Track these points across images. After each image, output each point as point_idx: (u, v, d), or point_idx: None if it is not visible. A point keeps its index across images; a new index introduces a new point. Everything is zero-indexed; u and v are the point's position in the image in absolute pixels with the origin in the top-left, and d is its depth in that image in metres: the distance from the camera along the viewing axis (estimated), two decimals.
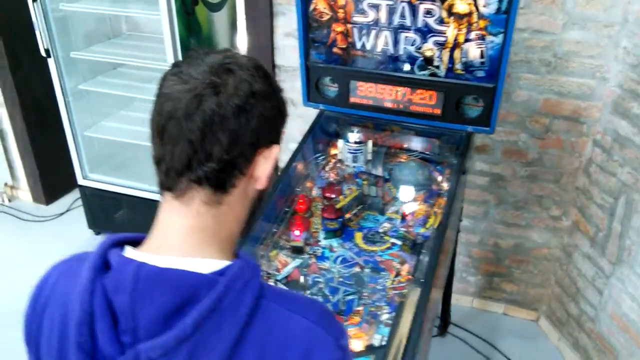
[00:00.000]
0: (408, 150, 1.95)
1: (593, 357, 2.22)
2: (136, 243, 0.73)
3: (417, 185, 1.85)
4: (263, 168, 0.74)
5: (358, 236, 1.70)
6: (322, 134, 2.04)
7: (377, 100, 1.85)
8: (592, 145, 2.12)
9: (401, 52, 1.75)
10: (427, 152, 1.93)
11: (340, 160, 1.94)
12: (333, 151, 2.02)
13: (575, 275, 2.29)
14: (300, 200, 1.77)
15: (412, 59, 1.75)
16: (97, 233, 3.10)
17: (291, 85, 2.44)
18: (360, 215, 1.78)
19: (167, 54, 2.38)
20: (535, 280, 2.52)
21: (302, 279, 1.54)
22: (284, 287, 1.51)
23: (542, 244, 2.41)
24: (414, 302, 1.43)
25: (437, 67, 1.74)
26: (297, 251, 1.63)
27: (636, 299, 1.97)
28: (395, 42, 1.74)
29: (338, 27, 1.79)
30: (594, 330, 2.20)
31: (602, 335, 2.15)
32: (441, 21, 1.66)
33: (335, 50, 1.83)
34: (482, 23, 1.62)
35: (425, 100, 1.79)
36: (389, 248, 1.65)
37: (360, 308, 1.46)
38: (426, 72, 1.76)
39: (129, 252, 0.70)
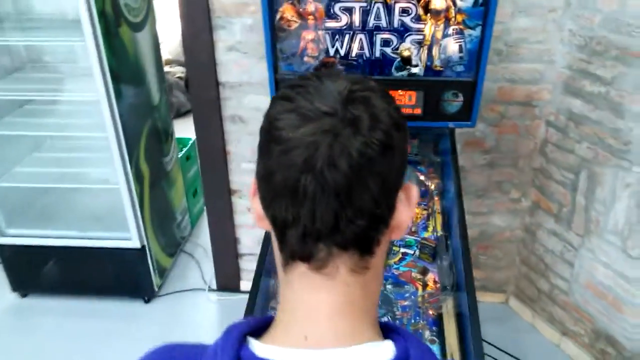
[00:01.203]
0: None
1: (570, 327, 2.33)
2: (260, 330, 0.59)
3: None
4: (406, 214, 0.60)
5: None
6: None
7: None
8: (545, 126, 2.21)
9: (377, 54, 1.69)
10: (413, 154, 1.89)
11: None
12: None
13: (542, 252, 2.38)
14: None
15: (389, 61, 1.70)
16: (24, 295, 2.71)
17: (238, 102, 2.29)
18: None
19: (97, 83, 2.12)
20: (500, 263, 2.59)
21: None
22: None
23: (505, 228, 2.49)
24: (451, 312, 1.37)
25: (416, 65, 1.70)
26: None
27: (609, 266, 2.08)
28: (371, 45, 1.68)
29: (308, 35, 1.68)
30: (569, 302, 2.30)
31: (578, 305, 2.26)
32: (418, 19, 1.62)
33: (306, 59, 1.73)
34: (459, 17, 1.61)
35: (405, 101, 1.75)
36: (402, 259, 1.59)
37: None
38: (404, 72, 1.71)
39: (266, 350, 0.56)
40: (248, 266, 2.70)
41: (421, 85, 1.72)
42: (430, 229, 1.68)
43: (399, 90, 1.73)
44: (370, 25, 1.64)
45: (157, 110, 2.64)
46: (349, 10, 1.63)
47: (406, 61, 1.69)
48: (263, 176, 0.57)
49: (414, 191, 0.61)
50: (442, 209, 1.73)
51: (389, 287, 1.49)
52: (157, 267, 2.66)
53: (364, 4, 1.61)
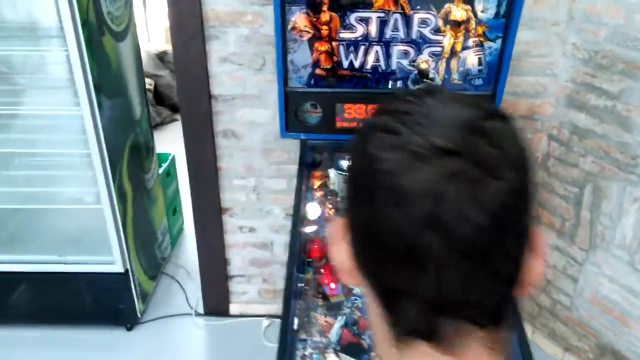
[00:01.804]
0: None
1: (573, 343, 2.30)
2: None
3: None
4: (538, 268, 0.49)
5: None
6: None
7: None
8: (547, 140, 2.19)
9: (393, 67, 1.62)
10: None
11: (331, 192, 1.74)
12: (316, 183, 1.81)
13: (544, 267, 2.35)
14: (315, 246, 1.54)
15: (405, 74, 1.63)
16: None
17: (231, 117, 2.17)
18: None
19: (80, 96, 1.96)
20: None
21: (361, 342, 1.32)
22: (349, 358, 1.27)
23: None
24: None
25: (432, 79, 1.63)
26: (336, 307, 1.40)
27: (615, 280, 2.07)
28: (387, 57, 1.60)
29: (321, 46, 1.60)
30: (571, 317, 2.28)
31: (582, 320, 2.23)
32: (437, 30, 1.56)
33: (318, 71, 1.63)
34: (480, 29, 1.56)
35: None
36: None
37: None
38: (421, 86, 1.64)
39: None
40: (238, 288, 2.56)
41: None
42: None
43: None
44: (387, 36, 1.57)
45: (138, 124, 2.49)
46: (366, 21, 1.55)
47: (423, 74, 1.62)
48: (362, 229, 0.47)
49: (541, 239, 0.50)
50: None
51: None
52: (140, 291, 2.49)
53: (382, 15, 1.53)
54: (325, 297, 1.41)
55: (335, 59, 1.61)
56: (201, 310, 2.60)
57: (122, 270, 2.33)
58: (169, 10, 2.01)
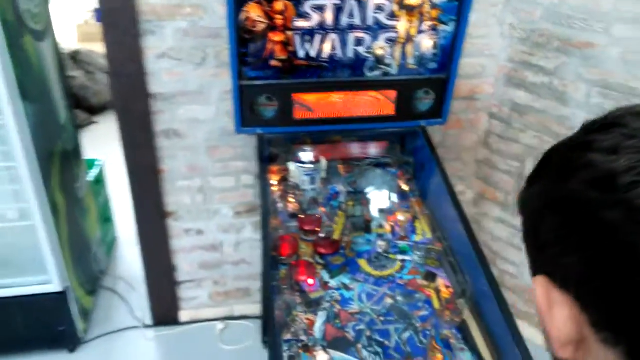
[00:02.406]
0: (361, 158, 1.81)
1: (522, 309, 2.41)
2: None
3: (388, 193, 1.72)
4: None
5: (363, 264, 1.51)
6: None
7: (328, 111, 1.65)
8: (488, 118, 2.26)
9: (350, 54, 1.59)
10: (381, 156, 1.81)
11: (292, 186, 1.69)
12: (274, 178, 1.75)
13: (489, 240, 2.44)
14: (285, 243, 1.48)
15: (362, 61, 1.60)
16: None
17: (172, 115, 2.05)
18: (349, 241, 1.57)
19: (3, 103, 1.76)
20: None
21: (346, 335, 1.29)
22: (337, 353, 1.24)
23: None
24: (470, 315, 1.32)
25: (389, 65, 1.62)
26: (315, 303, 1.36)
27: None
28: (344, 45, 1.57)
29: (276, 37, 1.53)
30: (519, 284, 2.39)
31: (528, 287, 2.34)
32: (392, 16, 1.54)
33: (273, 63, 1.57)
34: (434, 13, 1.56)
35: (379, 102, 1.67)
36: (402, 267, 1.50)
37: (425, 340, 1.29)
38: (377, 72, 1.63)
39: None
40: (188, 294, 2.44)
41: (395, 84, 1.65)
42: (420, 232, 1.61)
43: (373, 92, 1.65)
44: (343, 23, 1.53)
45: (65, 129, 2.29)
46: (321, 9, 1.50)
47: (379, 60, 1.61)
48: (611, 294, 0.37)
49: None
50: (429, 210, 1.67)
51: (399, 298, 1.40)
52: (81, 309, 2.31)
53: (338, 2, 1.49)
54: (303, 294, 1.36)
55: (290, 49, 1.55)
56: (149, 321, 2.46)
57: (60, 289, 2.14)
58: (100, 5, 1.85)
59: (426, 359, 1.23)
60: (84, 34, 5.30)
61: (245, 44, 1.52)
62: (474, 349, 1.26)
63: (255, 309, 2.49)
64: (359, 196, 1.60)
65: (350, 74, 1.61)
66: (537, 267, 0.45)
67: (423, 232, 1.61)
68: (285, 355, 1.22)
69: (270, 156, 1.76)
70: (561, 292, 0.41)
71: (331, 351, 1.24)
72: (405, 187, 1.77)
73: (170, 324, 2.46)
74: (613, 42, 1.82)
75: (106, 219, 2.89)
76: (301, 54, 1.56)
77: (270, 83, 1.59)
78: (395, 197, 1.70)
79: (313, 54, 1.57)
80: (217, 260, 2.38)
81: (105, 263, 2.79)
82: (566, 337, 0.41)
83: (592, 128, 0.44)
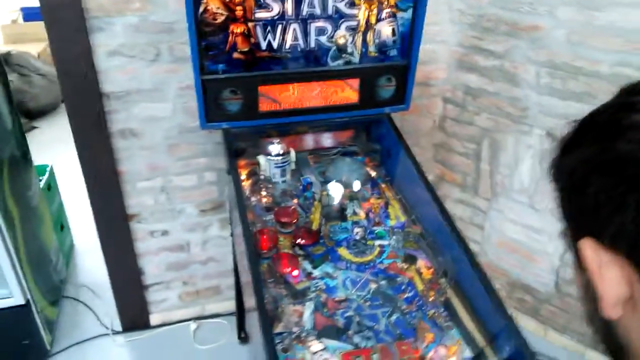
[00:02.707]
0: (329, 148, 1.82)
1: None
2: None
3: (358, 180, 1.74)
4: None
5: (343, 251, 1.52)
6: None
7: (293, 103, 1.65)
8: (442, 103, 2.32)
9: (312, 44, 1.59)
10: (348, 145, 1.83)
11: (262, 180, 1.69)
12: (242, 173, 1.74)
13: None
14: (264, 236, 1.48)
15: (324, 51, 1.61)
16: None
17: (127, 115, 2.00)
18: (326, 230, 1.59)
19: None
20: None
21: (335, 322, 1.31)
22: (330, 341, 1.25)
23: None
24: (453, 293, 1.37)
25: (351, 53, 1.64)
26: (300, 294, 1.37)
27: (518, 222, 2.28)
28: (305, 35, 1.57)
29: (237, 28, 1.52)
30: (483, 261, 2.47)
31: (492, 263, 2.44)
32: (352, 4, 1.56)
33: (235, 55, 1.55)
34: (392, 0, 1.58)
35: (343, 91, 1.68)
36: (381, 252, 1.53)
37: (414, 321, 1.33)
38: (340, 61, 1.64)
39: None
40: (156, 297, 2.39)
41: (357, 73, 1.67)
42: (393, 216, 1.64)
43: (336, 81, 1.66)
44: (304, 13, 1.54)
45: (12, 135, 2.18)
46: None
47: (341, 49, 1.62)
48: None
49: None
50: (400, 195, 1.70)
51: (382, 283, 1.43)
52: (45, 321, 2.22)
53: None
54: (288, 286, 1.37)
55: (252, 40, 1.54)
56: (118, 327, 2.40)
57: (22, 301, 2.06)
58: (40, 1, 1.77)
59: (417, 339, 1.26)
60: (11, 35, 4.99)
61: (205, 37, 1.50)
62: (460, 325, 1.31)
63: (227, 306, 2.47)
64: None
65: (314, 64, 1.62)
66: (580, 231, 0.46)
67: (396, 216, 1.64)
68: (279, 348, 1.22)
69: (236, 151, 1.75)
70: (611, 252, 0.43)
71: (325, 340, 1.25)
72: (373, 174, 1.79)
73: (140, 329, 2.41)
74: (558, 24, 1.90)
75: (62, 226, 2.78)
76: (263, 45, 1.55)
77: (233, 76, 1.57)
78: (363, 185, 1.72)
79: (275, 45, 1.56)
80: (185, 261, 2.35)
81: (65, 271, 2.69)
82: (616, 297, 0.43)
83: (634, 90, 0.46)
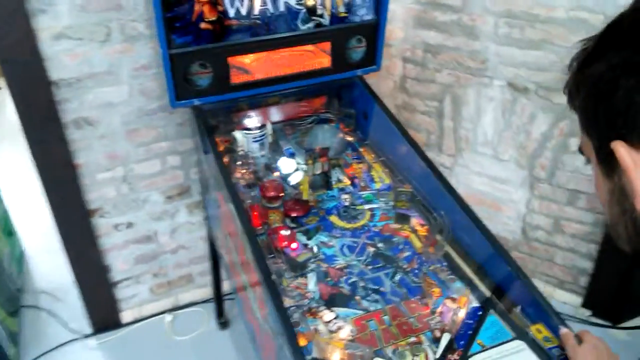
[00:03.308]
0: (302, 117, 1.77)
1: None
2: None
3: (337, 147, 1.70)
4: None
5: (335, 219, 1.49)
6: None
7: (265, 72, 1.58)
8: (402, 63, 2.31)
9: (282, 8, 1.52)
10: (321, 112, 1.79)
11: (241, 156, 1.62)
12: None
13: None
14: (255, 213, 1.42)
15: (294, 14, 1.55)
16: None
17: (80, 103, 1.86)
18: (314, 200, 1.55)
19: None
20: None
21: (341, 290, 1.28)
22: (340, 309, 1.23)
23: None
24: (452, 245, 1.38)
25: (321, 15, 1.58)
26: (299, 267, 1.33)
27: (484, 174, 2.33)
28: None
29: None
30: None
31: None
32: None
33: (203, 25, 1.46)
34: None
35: (315, 56, 1.63)
36: (373, 215, 1.51)
37: (417, 279, 1.32)
38: (311, 24, 1.58)
39: None
40: (127, 293, 2.28)
41: (328, 35, 1.62)
42: (377, 179, 1.63)
43: (308, 45, 1.60)
44: None
45: None
46: None
47: (311, 11, 1.56)
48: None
49: None
50: (383, 156, 1.68)
51: (380, 245, 1.41)
52: (7, 333, 2.06)
53: None
54: (289, 260, 1.32)
55: (220, 8, 1.45)
56: (88, 330, 2.26)
57: None
58: None
59: (425, 296, 1.26)
60: None
61: (170, 8, 1.40)
62: (462, 277, 1.31)
63: (201, 293, 2.40)
64: (315, 154, 1.56)
65: (284, 29, 1.55)
66: (609, 136, 0.50)
67: (380, 178, 1.62)
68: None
69: (211, 127, 1.66)
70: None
71: (335, 308, 1.22)
72: (350, 139, 1.76)
73: (112, 328, 2.29)
74: None
75: (9, 232, 2.58)
76: (231, 12, 1.47)
77: (202, 48, 1.48)
78: (343, 151, 1.69)
79: (244, 11, 1.48)
80: (154, 252, 2.24)
81: (20, 279, 2.51)
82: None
83: None
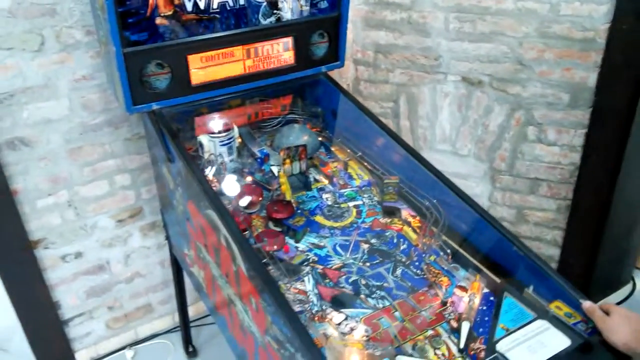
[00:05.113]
0: (268, 119, 1.67)
1: None
2: None
3: (312, 146, 1.61)
4: None
5: (321, 219, 1.40)
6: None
7: (228, 71, 1.48)
8: (354, 65, 2.27)
9: (242, 2, 1.43)
10: (287, 113, 1.70)
11: (208, 162, 1.50)
12: None
13: None
14: (238, 219, 1.30)
15: (255, 8, 1.46)
16: None
17: (14, 121, 1.68)
18: (295, 202, 1.44)
19: None
20: None
21: (343, 290, 1.18)
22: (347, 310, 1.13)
23: None
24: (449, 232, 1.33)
25: (281, 9, 1.51)
26: (293, 271, 1.22)
27: (444, 172, 2.30)
28: None
29: None
30: None
31: None
32: None
33: (159, 21, 1.34)
34: None
35: (278, 52, 1.55)
36: (360, 212, 1.43)
37: (420, 271, 1.25)
38: (272, 18, 1.50)
39: None
40: (79, 331, 2.05)
41: (290, 30, 1.54)
42: (355, 176, 1.55)
43: (270, 41, 1.52)
44: None
45: None
46: None
47: (272, 5, 1.48)
48: None
49: None
50: (358, 153, 1.62)
51: (373, 241, 1.33)
52: None
53: None
54: (283, 264, 1.21)
55: (176, 2, 1.34)
56: None
57: None
58: None
59: (433, 286, 1.19)
60: None
61: (123, 2, 1.27)
62: (466, 264, 1.26)
63: (163, 323, 2.21)
64: (293, 152, 1.46)
65: (245, 23, 1.46)
66: None
67: (359, 175, 1.55)
68: None
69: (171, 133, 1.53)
70: None
71: (341, 310, 1.12)
72: (320, 138, 1.68)
73: None
74: None
75: None
76: (189, 6, 1.36)
77: (158, 45, 1.36)
78: (316, 150, 1.61)
79: (202, 5, 1.38)
80: (107, 282, 2.04)
81: None
82: None
83: None
